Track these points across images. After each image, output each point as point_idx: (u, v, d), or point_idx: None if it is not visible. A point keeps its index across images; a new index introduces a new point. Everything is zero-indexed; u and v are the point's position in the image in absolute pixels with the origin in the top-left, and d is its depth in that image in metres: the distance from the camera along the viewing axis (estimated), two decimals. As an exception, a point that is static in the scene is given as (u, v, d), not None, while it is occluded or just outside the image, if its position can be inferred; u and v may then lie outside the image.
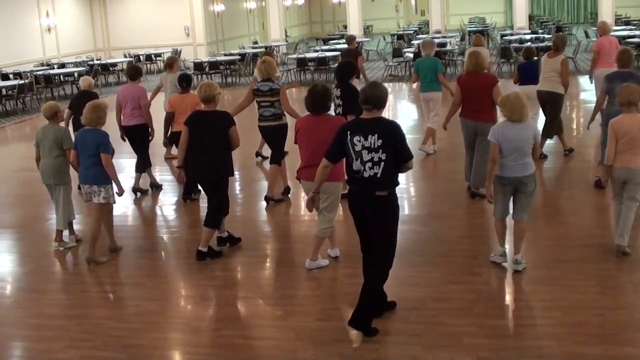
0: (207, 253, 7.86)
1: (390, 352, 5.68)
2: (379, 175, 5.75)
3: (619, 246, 7.24)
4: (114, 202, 8.12)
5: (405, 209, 9.50)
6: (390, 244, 5.94)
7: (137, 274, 7.81)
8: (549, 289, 6.61)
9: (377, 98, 5.83)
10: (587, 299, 6.33)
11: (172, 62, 12.86)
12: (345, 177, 7.24)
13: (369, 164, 5.76)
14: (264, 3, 37.55)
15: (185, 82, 10.37)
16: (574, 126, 14.68)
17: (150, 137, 10.68)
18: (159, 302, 7.00)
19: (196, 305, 6.87)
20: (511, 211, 7.13)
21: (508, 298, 6.64)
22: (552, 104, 11.17)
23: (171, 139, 10.50)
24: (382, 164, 5.72)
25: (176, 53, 29.64)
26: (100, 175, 7.85)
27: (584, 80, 20.26)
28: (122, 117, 10.63)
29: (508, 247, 7.23)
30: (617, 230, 7.29)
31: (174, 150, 10.78)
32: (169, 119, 10.29)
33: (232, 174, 7.93)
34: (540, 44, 22.47)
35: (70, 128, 10.06)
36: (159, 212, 10.24)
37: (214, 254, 7.91)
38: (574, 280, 6.73)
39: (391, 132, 5.78)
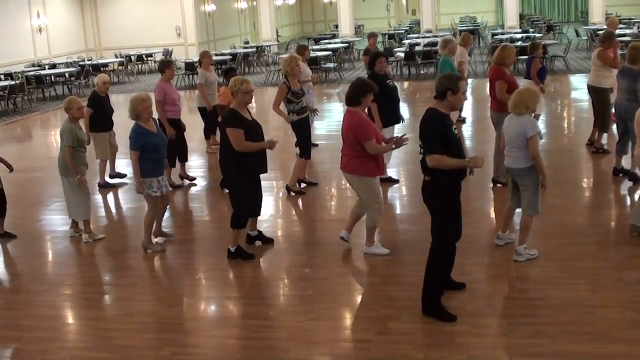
0: (235, 253, 7.78)
1: (382, 351, 5.68)
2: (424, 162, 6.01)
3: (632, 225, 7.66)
4: (148, 195, 8.05)
5: (397, 207, 9.53)
6: (435, 228, 6.12)
7: (129, 275, 7.80)
8: (540, 287, 6.64)
9: (437, 89, 5.99)
10: (578, 297, 6.35)
11: (200, 59, 13.20)
12: (373, 172, 7.40)
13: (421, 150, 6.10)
14: (255, 3, 37.54)
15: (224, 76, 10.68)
16: (565, 125, 14.74)
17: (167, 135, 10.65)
18: (151, 302, 7.00)
19: (188, 306, 6.87)
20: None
21: (499, 296, 6.66)
22: (596, 98, 11.29)
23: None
24: (422, 150, 6.00)
25: (167, 53, 29.61)
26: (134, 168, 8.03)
27: (575, 79, 20.40)
28: None
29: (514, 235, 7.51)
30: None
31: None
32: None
33: (233, 175, 7.61)
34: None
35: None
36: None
37: (245, 255, 7.80)
38: (565, 279, 6.76)
39: (422, 122, 6.03)
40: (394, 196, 9.83)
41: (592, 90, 11.31)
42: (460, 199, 6.21)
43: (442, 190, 6.01)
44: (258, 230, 8.26)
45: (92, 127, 11.11)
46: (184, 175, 11.21)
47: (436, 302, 6.11)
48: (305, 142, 10.18)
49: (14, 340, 6.39)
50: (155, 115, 9.35)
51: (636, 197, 8.93)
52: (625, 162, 9.89)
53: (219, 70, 21.31)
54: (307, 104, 11.28)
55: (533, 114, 7.28)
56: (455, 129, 6.07)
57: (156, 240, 8.46)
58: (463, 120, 14.67)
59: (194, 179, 11.27)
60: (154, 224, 8.42)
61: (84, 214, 8.73)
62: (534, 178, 7.06)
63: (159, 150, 8.07)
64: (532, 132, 6.98)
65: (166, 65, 11.02)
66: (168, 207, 8.66)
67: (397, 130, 10.22)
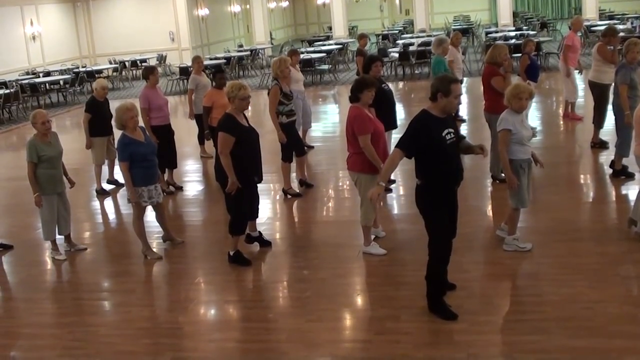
0: (234, 258, 7.76)
1: (381, 351, 5.70)
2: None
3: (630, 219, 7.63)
4: (137, 202, 8.04)
5: (394, 207, 9.55)
6: (428, 231, 6.10)
7: (128, 280, 7.81)
8: (538, 283, 6.65)
9: (430, 90, 5.93)
10: (576, 293, 6.37)
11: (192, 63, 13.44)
12: (374, 169, 7.34)
13: None
14: (248, 6, 37.55)
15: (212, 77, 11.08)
16: (560, 121, 14.75)
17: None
18: (150, 307, 7.02)
19: (187, 310, 6.87)
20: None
21: (498, 294, 6.67)
22: (595, 93, 11.29)
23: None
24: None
25: (161, 58, 29.62)
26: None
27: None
28: None
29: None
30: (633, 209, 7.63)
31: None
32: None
33: (227, 180, 7.50)
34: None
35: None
36: (149, 219, 10.23)
37: (242, 261, 7.77)
38: (562, 275, 6.78)
39: None
40: (391, 196, 9.84)
41: (592, 85, 11.32)
42: (456, 201, 6.20)
43: (434, 194, 5.97)
44: (259, 232, 8.27)
45: (91, 132, 11.15)
46: (171, 182, 11.15)
47: (438, 300, 6.13)
48: (287, 145, 10.08)
49: (14, 348, 6.40)
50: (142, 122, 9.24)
51: (631, 192, 8.96)
52: (625, 162, 9.78)
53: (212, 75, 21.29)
54: (304, 110, 11.25)
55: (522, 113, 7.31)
56: (450, 133, 5.92)
57: (165, 245, 8.59)
58: (462, 120, 14.68)
59: (181, 187, 11.24)
60: (162, 230, 8.59)
61: (47, 234, 8.49)
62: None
63: (147, 158, 8.00)
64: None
65: (150, 71, 10.98)
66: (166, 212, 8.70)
67: (394, 134, 10.14)
